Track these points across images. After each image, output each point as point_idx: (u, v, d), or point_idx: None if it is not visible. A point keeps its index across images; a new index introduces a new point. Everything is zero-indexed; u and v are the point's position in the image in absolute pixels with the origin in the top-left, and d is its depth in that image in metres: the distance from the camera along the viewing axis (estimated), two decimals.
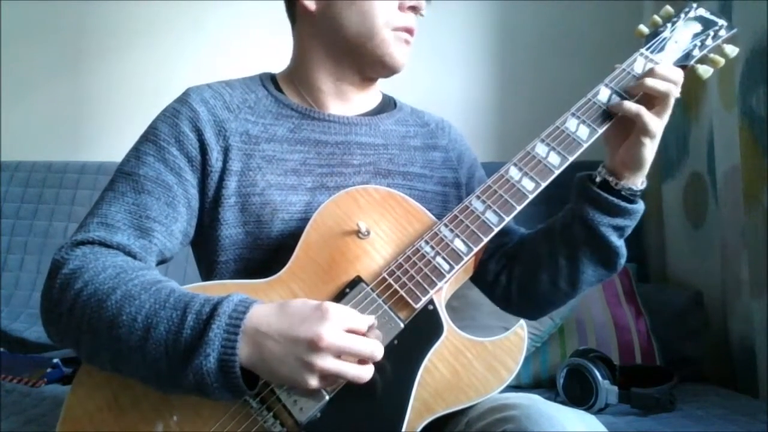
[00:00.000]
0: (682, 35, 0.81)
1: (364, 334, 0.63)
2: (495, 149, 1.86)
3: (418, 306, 0.68)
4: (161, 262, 0.78)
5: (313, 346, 0.59)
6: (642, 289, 1.54)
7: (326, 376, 0.61)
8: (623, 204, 0.76)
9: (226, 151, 0.80)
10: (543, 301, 0.87)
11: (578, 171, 0.81)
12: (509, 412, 0.62)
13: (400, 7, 0.83)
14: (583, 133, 0.76)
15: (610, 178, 0.77)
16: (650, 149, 0.74)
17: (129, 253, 0.71)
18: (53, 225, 1.77)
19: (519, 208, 0.73)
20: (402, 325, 0.67)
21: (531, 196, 0.74)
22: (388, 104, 0.96)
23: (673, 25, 0.82)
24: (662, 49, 0.80)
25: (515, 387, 1.38)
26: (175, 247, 0.78)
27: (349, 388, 0.64)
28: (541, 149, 0.76)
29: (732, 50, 0.80)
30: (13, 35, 2.03)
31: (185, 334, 0.61)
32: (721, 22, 0.82)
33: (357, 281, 0.70)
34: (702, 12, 0.84)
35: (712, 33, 0.81)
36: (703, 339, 1.46)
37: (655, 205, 1.74)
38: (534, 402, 0.64)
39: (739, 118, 1.25)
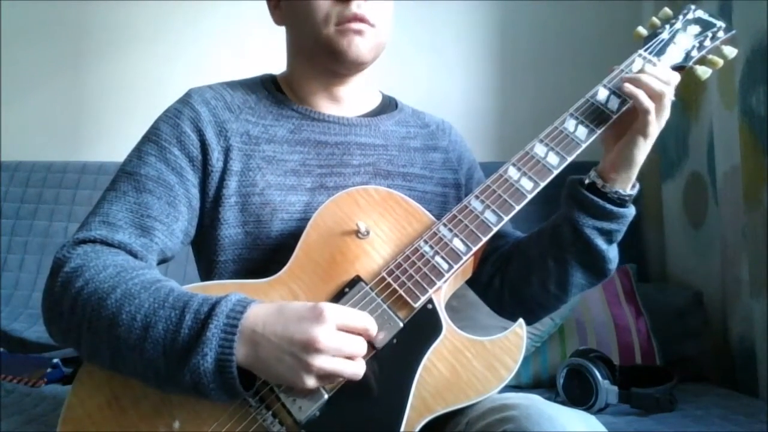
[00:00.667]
0: (680, 37, 0.82)
1: (362, 333, 0.63)
2: (495, 149, 1.86)
3: (417, 305, 0.68)
4: (162, 261, 0.78)
5: (309, 347, 0.59)
6: (642, 289, 1.54)
7: (323, 376, 0.61)
8: (609, 207, 0.76)
9: (226, 152, 0.80)
10: (534, 303, 0.86)
11: (577, 171, 0.80)
12: (509, 412, 0.62)
13: None
14: (582, 133, 0.76)
15: (598, 181, 0.77)
16: (643, 151, 0.74)
17: (130, 252, 0.72)
18: (53, 225, 1.77)
19: (518, 207, 0.73)
20: (401, 324, 0.67)
21: (530, 196, 0.74)
22: (388, 105, 0.96)
23: (671, 26, 0.83)
24: (661, 50, 0.80)
25: (515, 387, 1.38)
26: (176, 246, 0.79)
27: (348, 387, 0.64)
28: (539, 149, 0.76)
29: (731, 51, 0.80)
30: (13, 35, 2.03)
31: (183, 333, 0.61)
32: (720, 23, 0.82)
33: (356, 281, 0.70)
34: (701, 14, 0.84)
35: (710, 34, 0.81)
36: (703, 339, 1.45)
37: (655, 205, 1.74)
38: (534, 402, 0.64)
39: (739, 118, 1.25)
